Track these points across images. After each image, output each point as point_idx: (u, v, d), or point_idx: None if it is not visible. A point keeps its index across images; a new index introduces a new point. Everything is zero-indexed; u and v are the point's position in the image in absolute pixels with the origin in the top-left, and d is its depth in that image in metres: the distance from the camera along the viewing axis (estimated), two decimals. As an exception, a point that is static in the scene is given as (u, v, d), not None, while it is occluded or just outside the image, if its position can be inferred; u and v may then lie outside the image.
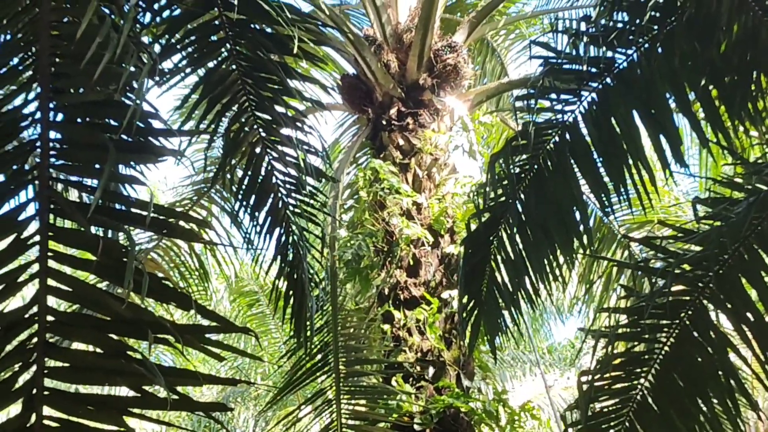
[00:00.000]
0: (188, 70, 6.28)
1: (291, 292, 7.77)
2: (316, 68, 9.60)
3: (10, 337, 3.22)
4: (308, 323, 7.84)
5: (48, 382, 3.22)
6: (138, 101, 3.31)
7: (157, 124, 3.57)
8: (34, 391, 3.18)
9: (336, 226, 10.43)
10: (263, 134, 6.73)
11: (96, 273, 3.33)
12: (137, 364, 2.99)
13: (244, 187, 7.16)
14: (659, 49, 6.03)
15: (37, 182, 3.41)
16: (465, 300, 7.11)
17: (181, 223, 3.42)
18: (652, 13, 5.85)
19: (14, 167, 3.47)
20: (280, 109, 6.47)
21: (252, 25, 6.07)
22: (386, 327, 9.72)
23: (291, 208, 7.25)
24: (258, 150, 6.86)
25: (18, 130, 3.55)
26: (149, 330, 2.93)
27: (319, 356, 9.36)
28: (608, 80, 6.26)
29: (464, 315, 7.10)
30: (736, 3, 5.36)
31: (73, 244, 3.38)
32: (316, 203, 7.37)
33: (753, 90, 5.83)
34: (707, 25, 5.57)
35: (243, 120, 6.60)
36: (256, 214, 7.32)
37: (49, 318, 3.19)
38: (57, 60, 3.56)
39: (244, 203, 7.28)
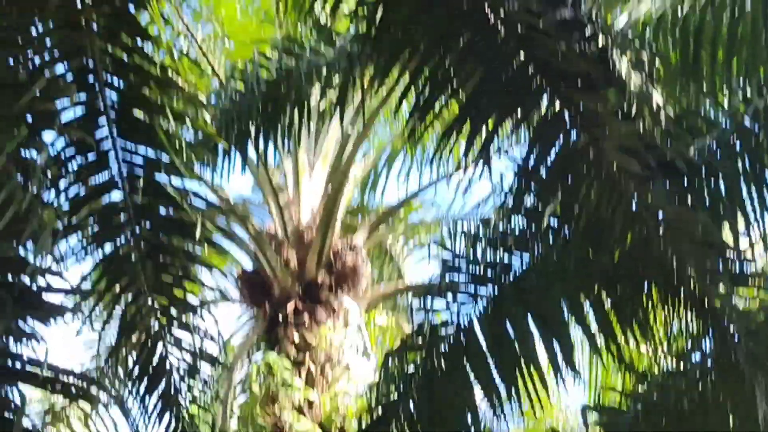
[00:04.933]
0: (88, 250, 6.27)
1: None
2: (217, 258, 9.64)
3: None
4: None
5: None
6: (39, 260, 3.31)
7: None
8: None
9: (227, 417, 10.31)
10: (160, 317, 6.70)
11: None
12: None
13: (137, 369, 7.08)
14: (554, 255, 6.18)
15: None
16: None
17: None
18: (549, 219, 6.02)
19: None
20: (179, 293, 6.48)
21: (156, 209, 6.12)
22: None
23: (183, 393, 7.18)
24: (154, 333, 6.82)
25: None
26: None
27: None
28: (504, 283, 6.38)
29: None
30: (630, 214, 5.52)
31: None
32: (209, 390, 7.31)
33: (644, 300, 5.97)
34: (601, 234, 5.73)
35: (141, 302, 6.57)
36: (147, 397, 7.22)
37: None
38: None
39: (136, 386, 7.19)
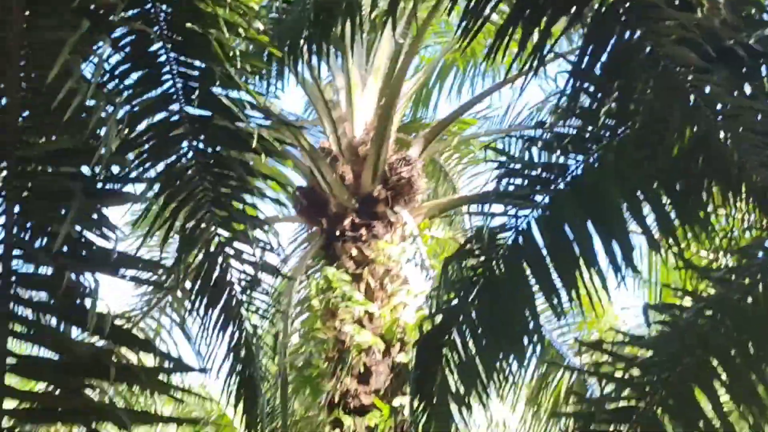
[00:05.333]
0: (147, 165, 6.31)
1: (242, 390, 7.76)
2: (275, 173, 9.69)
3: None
4: (259, 420, 7.81)
5: (6, 423, 3.23)
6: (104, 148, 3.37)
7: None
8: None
9: (288, 332, 10.46)
10: (219, 231, 6.75)
11: (59, 316, 3.35)
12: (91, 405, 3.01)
13: (198, 284, 7.15)
14: (612, 156, 6.14)
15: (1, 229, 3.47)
16: (416, 402, 7.08)
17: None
18: (605, 120, 5.98)
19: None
20: (237, 205, 6.51)
21: (212, 122, 6.13)
22: (336, 433, 9.70)
23: (245, 305, 7.27)
24: (213, 247, 6.88)
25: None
26: (112, 371, 2.95)
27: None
28: (561, 186, 6.35)
29: (416, 416, 7.05)
30: (688, 108, 5.45)
31: (36, 288, 3.41)
32: (271, 301, 7.40)
33: (704, 197, 5.93)
34: (659, 132, 5.68)
35: (200, 216, 6.61)
36: (210, 311, 7.30)
37: (10, 360, 3.23)
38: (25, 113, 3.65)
39: (198, 300, 7.26)
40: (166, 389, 3.24)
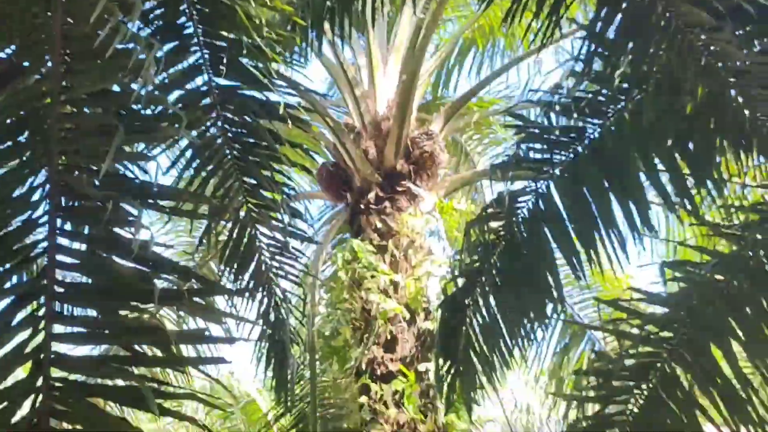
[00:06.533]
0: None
1: (271, 353, 7.95)
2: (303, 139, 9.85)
3: (22, 306, 3.45)
4: (288, 382, 8.00)
5: (55, 346, 3.43)
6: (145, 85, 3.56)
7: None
8: (42, 355, 3.39)
9: (315, 302, 10.64)
10: (248, 198, 6.91)
11: (104, 246, 3.55)
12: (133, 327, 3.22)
13: (228, 250, 7.31)
14: (627, 118, 6.28)
15: (47, 167, 3.68)
16: (442, 361, 7.26)
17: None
18: (620, 82, 6.12)
19: (27, 154, 3.75)
20: (266, 173, 6.65)
21: (240, 91, 6.29)
22: (363, 399, 9.85)
23: (274, 270, 7.44)
24: (242, 213, 7.04)
25: (32, 122, 3.82)
26: (155, 294, 3.15)
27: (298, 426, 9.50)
28: (579, 149, 6.50)
29: (442, 376, 7.23)
30: (701, 66, 5.57)
31: (81, 220, 3.61)
32: (299, 265, 7.55)
33: (717, 155, 6.04)
34: (673, 91, 5.80)
35: (229, 185, 6.77)
36: (240, 277, 7.47)
37: (58, 289, 3.44)
38: (67, 59, 3.85)
39: (228, 266, 7.42)
40: (209, 313, 3.43)
